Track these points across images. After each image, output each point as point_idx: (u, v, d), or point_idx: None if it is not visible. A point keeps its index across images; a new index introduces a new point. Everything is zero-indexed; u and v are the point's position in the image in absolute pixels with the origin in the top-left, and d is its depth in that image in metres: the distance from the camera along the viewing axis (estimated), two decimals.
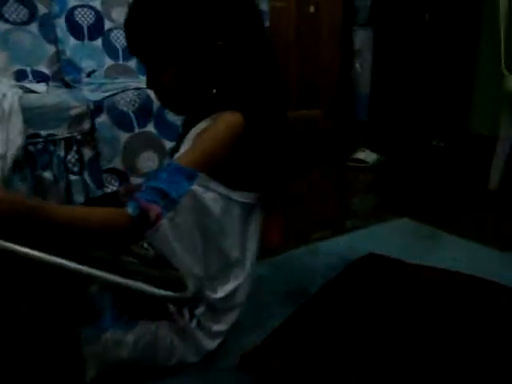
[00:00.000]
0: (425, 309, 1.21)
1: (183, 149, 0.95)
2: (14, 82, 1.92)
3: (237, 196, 0.97)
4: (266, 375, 1.01)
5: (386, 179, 2.58)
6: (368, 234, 1.79)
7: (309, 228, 1.84)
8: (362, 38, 3.18)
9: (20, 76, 2.13)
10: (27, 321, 0.86)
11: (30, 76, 2.17)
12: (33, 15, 2.23)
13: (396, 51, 3.08)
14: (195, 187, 0.88)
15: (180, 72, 0.94)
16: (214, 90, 0.95)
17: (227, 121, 0.91)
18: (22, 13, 2.20)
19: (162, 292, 0.74)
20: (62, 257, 0.69)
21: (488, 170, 2.28)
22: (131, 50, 0.98)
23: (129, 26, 0.94)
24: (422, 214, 1.96)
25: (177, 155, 0.94)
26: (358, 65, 3.20)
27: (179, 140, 1.05)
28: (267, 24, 2.29)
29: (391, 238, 1.74)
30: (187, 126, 1.03)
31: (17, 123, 1.69)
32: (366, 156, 2.76)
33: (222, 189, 0.94)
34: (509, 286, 1.31)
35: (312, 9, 3.11)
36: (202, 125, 0.95)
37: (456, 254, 1.56)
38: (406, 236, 1.75)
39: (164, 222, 0.84)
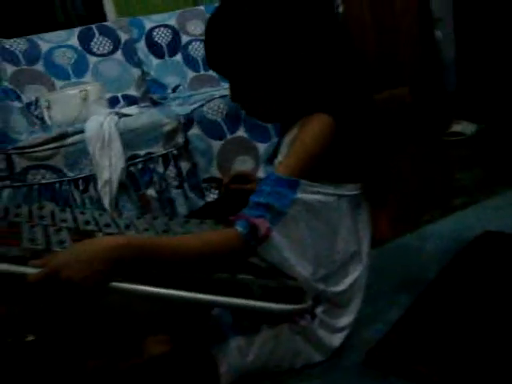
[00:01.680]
0: None
1: (280, 157, 0.96)
2: (108, 110, 2.04)
3: (341, 190, 0.96)
4: (392, 371, 0.98)
5: (489, 149, 2.42)
6: (479, 211, 1.69)
7: (416, 211, 1.77)
8: (441, 5, 3.03)
9: (113, 102, 2.26)
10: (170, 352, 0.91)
11: (122, 101, 2.29)
12: (116, 44, 2.35)
13: (479, 12, 2.89)
14: (299, 195, 0.88)
15: (262, 83, 0.94)
16: (299, 96, 0.94)
17: (316, 124, 0.90)
18: (107, 44, 2.33)
19: (282, 307, 0.75)
20: (183, 285, 0.72)
21: None
22: (212, 67, 0.98)
23: (208, 43, 0.95)
24: None
25: (275, 164, 0.95)
26: (439, 33, 3.04)
27: (276, 147, 1.06)
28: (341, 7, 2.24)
29: (505, 212, 1.63)
30: (281, 133, 1.04)
31: (117, 148, 1.80)
32: (464, 128, 2.61)
33: (325, 188, 0.93)
34: None
35: None
36: (293, 132, 0.95)
37: None
38: None
39: (274, 234, 0.85)
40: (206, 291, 0.80)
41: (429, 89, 3.14)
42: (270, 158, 1.12)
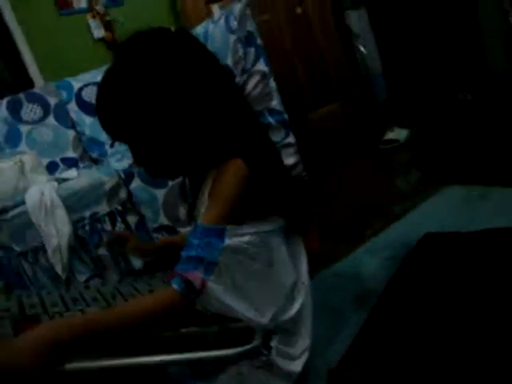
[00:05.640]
0: (495, 276, 1.19)
1: (202, 208, 0.98)
2: (46, 177, 2.03)
3: (267, 227, 1.00)
4: None
5: (423, 151, 2.53)
6: (421, 214, 1.76)
7: (361, 225, 1.83)
8: (357, 21, 3.16)
9: (52, 168, 2.26)
10: None
11: (61, 164, 2.29)
12: (47, 109, 2.35)
13: (397, 22, 3.05)
14: (227, 241, 0.90)
15: (160, 144, 0.95)
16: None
17: (230, 169, 0.94)
18: (37, 110, 2.33)
19: (233, 351, 0.77)
20: (131, 348, 0.73)
21: None
22: (108, 133, 0.97)
23: (100, 109, 0.95)
24: (469, 175, 1.92)
25: (198, 216, 0.98)
26: (361, 47, 3.17)
27: (192, 199, 1.10)
28: (259, 41, 2.32)
29: (444, 211, 1.70)
30: (193, 185, 1.08)
31: (61, 214, 1.79)
32: (397, 134, 2.72)
33: (251, 228, 0.96)
34: None
35: (299, 10, 3.13)
36: (208, 182, 0.98)
37: (508, 209, 1.52)
38: (458, 204, 1.71)
39: (210, 284, 0.87)
40: (154, 352, 0.82)
41: (360, 101, 3.27)
42: (190, 211, 1.15)
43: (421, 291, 1.24)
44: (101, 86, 0.94)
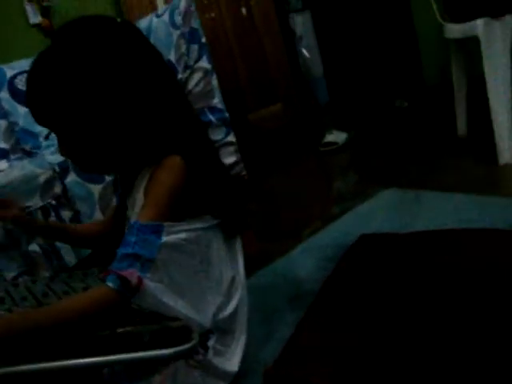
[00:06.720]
0: (429, 276, 1.24)
1: (137, 207, 0.96)
2: None
3: (204, 223, 0.99)
4: None
5: (361, 154, 2.61)
6: (358, 215, 1.81)
7: (299, 225, 1.86)
8: (301, 24, 3.20)
9: None
10: None
11: None
12: None
13: (339, 27, 3.11)
14: (165, 238, 0.89)
15: (90, 136, 0.93)
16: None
17: (169, 167, 0.93)
18: None
19: (170, 351, 0.76)
20: (65, 349, 0.71)
21: (454, 119, 2.31)
22: (38, 122, 0.95)
23: (29, 97, 0.91)
24: (404, 179, 1.99)
25: (133, 213, 0.96)
26: (304, 50, 3.22)
27: (123, 197, 1.08)
28: (203, 38, 2.30)
29: (380, 213, 1.77)
30: (124, 183, 1.06)
31: None
32: (336, 137, 2.78)
33: (188, 225, 0.95)
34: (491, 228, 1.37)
35: (244, 11, 3.13)
36: (144, 179, 0.96)
37: (442, 210, 1.61)
38: (394, 206, 1.78)
39: (146, 282, 0.85)
40: (89, 353, 0.79)
41: (301, 103, 3.32)
42: (118, 209, 1.13)
43: (356, 291, 1.27)
44: (33, 66, 0.90)
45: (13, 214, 1.16)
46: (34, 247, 1.79)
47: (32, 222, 1.27)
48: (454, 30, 2.11)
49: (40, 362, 0.75)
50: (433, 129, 2.58)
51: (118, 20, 0.97)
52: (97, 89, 0.88)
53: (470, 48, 2.21)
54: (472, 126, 2.28)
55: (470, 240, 1.34)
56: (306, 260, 1.56)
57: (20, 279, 1.72)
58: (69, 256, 1.84)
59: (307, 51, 3.21)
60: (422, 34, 3.13)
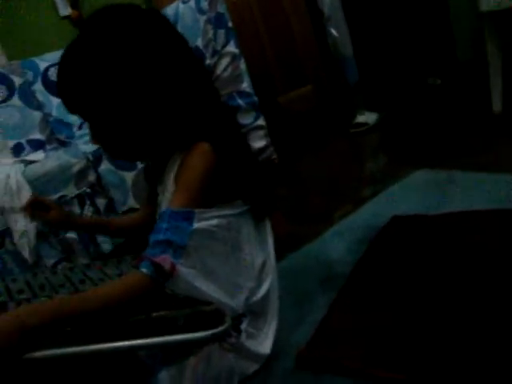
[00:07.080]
0: (461, 257, 1.22)
1: (168, 193, 0.98)
2: (13, 159, 1.98)
3: (234, 209, 1.00)
4: (324, 370, 1.02)
5: (392, 135, 2.57)
6: (389, 196, 1.79)
7: (330, 207, 1.85)
8: (329, 3, 3.14)
9: (18, 150, 2.20)
10: None
11: (27, 147, 2.23)
12: (11, 89, 2.28)
13: (369, 6, 3.05)
14: (196, 225, 0.90)
15: (121, 124, 0.95)
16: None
17: (197, 153, 0.94)
18: (1, 90, 2.26)
19: (202, 334, 0.78)
20: (101, 333, 0.73)
21: (489, 95, 2.25)
22: (69, 110, 0.97)
23: (60, 87, 0.93)
24: (436, 159, 1.95)
25: (165, 200, 0.98)
26: (333, 30, 3.16)
27: (153, 184, 1.10)
28: (230, 23, 2.30)
29: (412, 194, 1.74)
30: (155, 170, 1.08)
31: (27, 197, 1.75)
32: (366, 118, 2.75)
33: (219, 211, 0.97)
34: None
35: None
36: (174, 166, 0.98)
37: (475, 191, 1.57)
38: (426, 187, 1.74)
39: (179, 268, 0.87)
40: (125, 337, 0.82)
41: (331, 84, 3.28)
42: (150, 196, 1.15)
43: (388, 273, 1.27)
44: (63, 56, 0.92)
45: (53, 216, 1.20)
46: (71, 235, 1.85)
47: (72, 222, 1.30)
48: (489, 2, 2.04)
49: (78, 345, 0.78)
50: (467, 106, 2.51)
51: (144, 7, 0.98)
52: (125, 76, 0.90)
53: (506, 21, 2.14)
54: (508, 103, 2.21)
55: (502, 221, 1.31)
56: (337, 242, 1.56)
57: (59, 266, 1.78)
58: (105, 244, 1.90)
59: (336, 31, 3.16)
60: (453, 7, 3.03)
